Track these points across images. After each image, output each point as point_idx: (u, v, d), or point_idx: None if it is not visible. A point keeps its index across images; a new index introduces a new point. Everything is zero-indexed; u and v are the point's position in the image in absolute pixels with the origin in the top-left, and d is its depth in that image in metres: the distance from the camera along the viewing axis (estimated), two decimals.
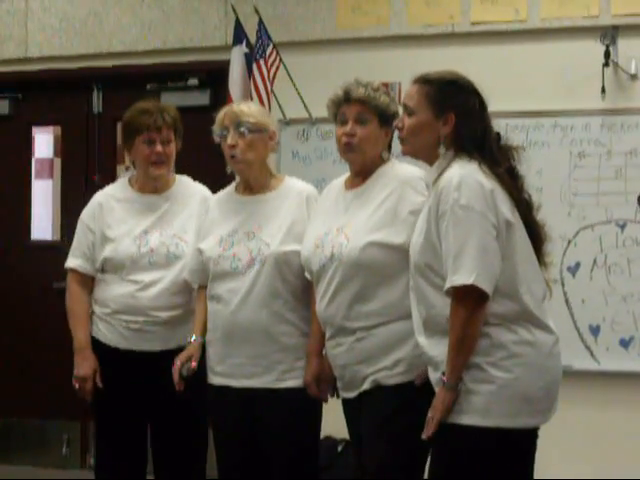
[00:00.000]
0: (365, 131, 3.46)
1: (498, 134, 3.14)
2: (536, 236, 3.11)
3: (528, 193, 3.13)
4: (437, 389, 3.04)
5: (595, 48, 5.22)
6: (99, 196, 4.10)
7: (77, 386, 3.97)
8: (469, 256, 2.91)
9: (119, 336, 3.94)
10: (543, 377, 3.00)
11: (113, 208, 4.02)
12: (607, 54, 5.21)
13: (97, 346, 3.98)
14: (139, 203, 4.02)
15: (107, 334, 3.97)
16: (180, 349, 3.81)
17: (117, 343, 3.95)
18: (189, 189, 4.07)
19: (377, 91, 3.48)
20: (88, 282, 4.03)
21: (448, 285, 2.94)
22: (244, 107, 3.75)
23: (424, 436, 3.01)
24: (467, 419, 2.96)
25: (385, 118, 3.46)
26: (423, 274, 3.06)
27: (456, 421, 2.98)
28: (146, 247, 3.92)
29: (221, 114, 3.75)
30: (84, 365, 3.95)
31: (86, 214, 4.07)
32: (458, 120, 3.07)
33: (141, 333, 3.91)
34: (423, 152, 3.15)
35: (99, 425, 4.08)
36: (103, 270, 3.99)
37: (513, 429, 2.97)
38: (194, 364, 3.73)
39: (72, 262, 4.05)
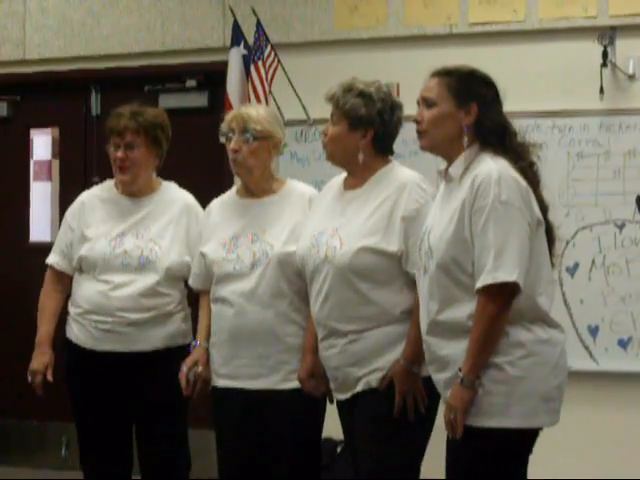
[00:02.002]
0: (332, 131, 3.47)
1: (515, 131, 3.14)
2: (549, 236, 3.11)
3: (541, 193, 3.11)
4: (449, 390, 3.00)
5: (593, 49, 5.22)
6: (84, 195, 4.14)
7: (29, 379, 4.02)
8: (511, 253, 2.90)
9: (89, 336, 3.96)
10: (558, 375, 3.01)
11: (95, 208, 4.04)
12: (605, 55, 5.20)
13: (70, 347, 4.02)
14: (121, 205, 4.03)
15: (78, 334, 3.99)
16: (153, 352, 3.87)
17: (86, 343, 3.96)
18: (172, 195, 4.06)
19: (348, 92, 3.45)
20: (63, 279, 4.07)
21: (489, 281, 2.90)
22: (253, 112, 3.72)
23: (452, 437, 2.97)
24: (487, 421, 2.94)
25: (354, 120, 3.43)
26: (447, 269, 3.01)
27: (475, 424, 2.95)
28: (120, 249, 3.93)
29: (230, 115, 3.75)
30: (37, 359, 4.01)
31: (69, 212, 4.11)
32: (480, 110, 3.06)
33: (110, 334, 3.92)
34: (443, 145, 3.11)
35: (79, 427, 4.09)
36: (81, 270, 4.01)
37: (531, 429, 2.98)
38: (200, 369, 3.75)
39: (50, 258, 4.11)
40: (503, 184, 2.94)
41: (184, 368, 3.75)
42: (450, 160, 3.13)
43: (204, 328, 3.80)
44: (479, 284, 2.93)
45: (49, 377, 3.97)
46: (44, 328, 4.03)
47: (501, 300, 2.91)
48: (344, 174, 3.59)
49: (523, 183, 2.98)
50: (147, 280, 3.90)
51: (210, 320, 3.77)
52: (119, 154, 3.93)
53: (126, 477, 4.06)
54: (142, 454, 4.03)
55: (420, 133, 3.13)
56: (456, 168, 3.09)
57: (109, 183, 4.13)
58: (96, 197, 4.08)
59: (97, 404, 3.96)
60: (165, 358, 3.90)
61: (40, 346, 4.02)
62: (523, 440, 2.99)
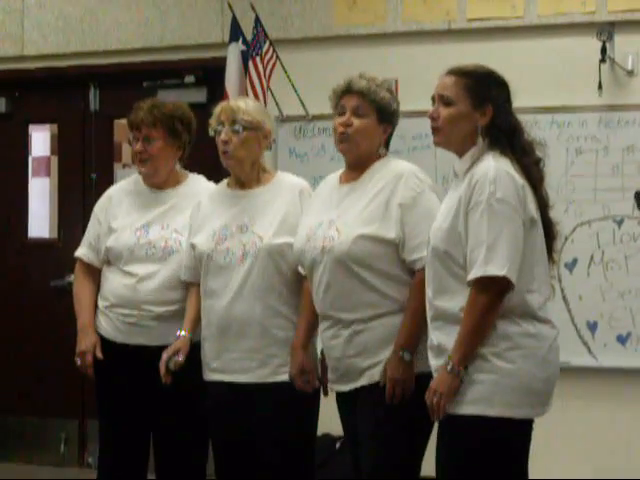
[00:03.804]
0: (361, 123, 3.46)
1: (524, 130, 3.20)
2: (549, 233, 3.17)
3: (545, 190, 3.18)
4: (438, 374, 3.07)
5: (592, 44, 5.22)
6: (111, 189, 4.19)
7: (78, 362, 4.02)
8: (503, 248, 2.98)
9: (116, 329, 3.98)
10: (545, 369, 3.06)
11: (122, 200, 4.08)
12: (604, 50, 5.20)
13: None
14: (146, 196, 4.06)
15: (106, 327, 4.01)
16: None
17: (113, 336, 3.99)
18: (199, 187, 4.06)
19: (379, 86, 3.48)
20: (92, 271, 4.10)
21: (480, 274, 2.99)
22: (241, 103, 3.76)
23: (435, 419, 3.07)
24: (471, 409, 3.01)
25: (384, 114, 3.48)
26: (441, 259, 3.10)
27: (459, 412, 3.03)
28: (145, 239, 3.96)
29: (218, 109, 3.77)
30: (84, 341, 4.01)
31: (98, 206, 4.16)
32: (495, 112, 3.13)
33: (136, 327, 3.94)
34: (456, 143, 3.19)
35: (101, 419, 4.11)
36: (108, 262, 4.04)
37: (514, 419, 3.02)
38: (181, 358, 3.76)
39: (79, 251, 4.15)
40: (499, 182, 3.02)
41: (164, 356, 3.76)
42: (461, 156, 3.19)
43: (190, 319, 3.83)
44: (470, 276, 3.01)
45: (98, 354, 3.97)
46: (85, 314, 4.05)
47: (492, 293, 2.99)
48: (339, 171, 3.61)
49: (520, 181, 3.05)
50: (172, 270, 3.91)
51: (196, 312, 3.80)
52: (137, 147, 3.98)
53: (142, 473, 4.06)
54: (159, 449, 4.03)
55: (435, 129, 3.20)
56: (462, 164, 3.18)
57: (137, 176, 4.14)
58: (123, 190, 4.13)
59: (122, 397, 3.97)
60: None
61: (83, 329, 4.03)
62: (508, 431, 3.03)
